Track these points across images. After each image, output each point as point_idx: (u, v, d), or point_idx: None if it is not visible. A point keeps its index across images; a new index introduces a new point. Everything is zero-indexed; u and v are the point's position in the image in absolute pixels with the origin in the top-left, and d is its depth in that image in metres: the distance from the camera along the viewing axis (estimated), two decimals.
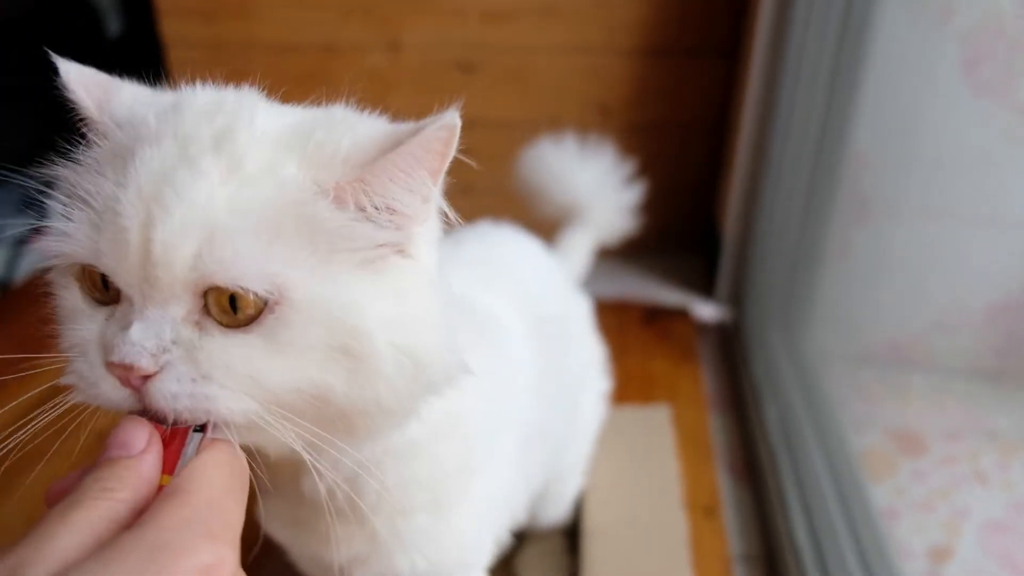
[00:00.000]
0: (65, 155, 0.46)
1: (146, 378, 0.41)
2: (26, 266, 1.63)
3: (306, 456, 0.45)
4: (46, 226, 0.45)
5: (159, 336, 0.41)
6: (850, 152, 1.27)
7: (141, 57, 1.69)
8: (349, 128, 0.46)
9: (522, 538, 1.02)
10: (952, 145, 1.21)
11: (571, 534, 1.05)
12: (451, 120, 0.43)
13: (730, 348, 1.48)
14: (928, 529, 1.06)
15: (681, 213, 1.72)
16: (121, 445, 0.39)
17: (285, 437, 0.44)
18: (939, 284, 1.32)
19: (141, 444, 0.39)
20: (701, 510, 1.09)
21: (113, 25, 1.88)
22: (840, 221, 1.32)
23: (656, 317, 1.60)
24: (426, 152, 0.44)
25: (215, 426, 0.42)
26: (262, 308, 0.42)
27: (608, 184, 1.10)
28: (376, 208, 0.45)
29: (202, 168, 0.42)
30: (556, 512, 1.01)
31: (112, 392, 0.42)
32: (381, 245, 0.46)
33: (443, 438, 0.59)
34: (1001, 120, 1.16)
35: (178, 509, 0.36)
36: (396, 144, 0.43)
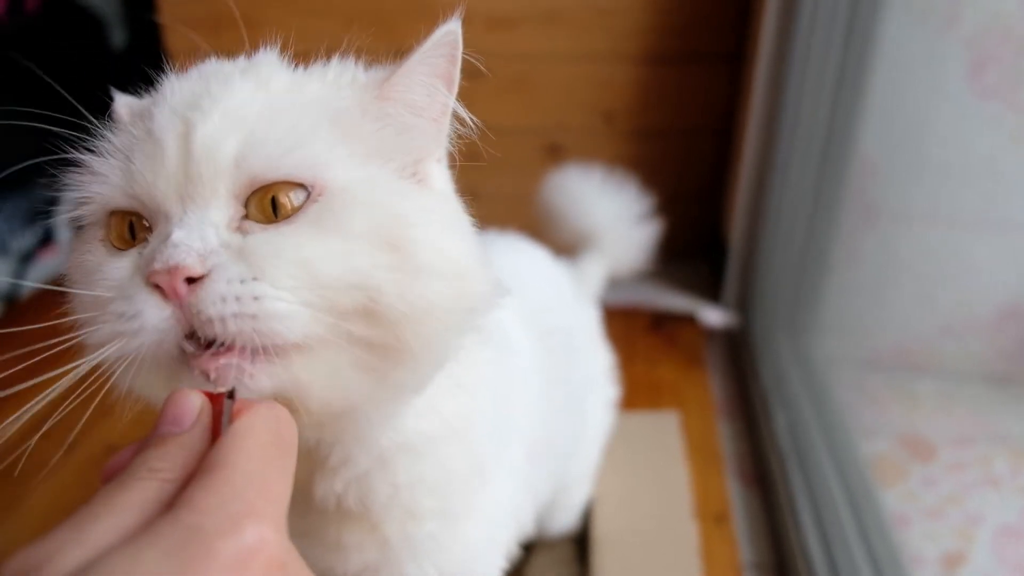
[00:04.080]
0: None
1: (192, 284, 0.40)
2: (32, 280, 1.63)
3: (347, 400, 0.45)
4: (71, 180, 0.46)
5: (204, 239, 0.41)
6: (856, 157, 1.27)
7: (146, 69, 1.69)
8: (358, 68, 0.51)
9: (531, 547, 1.02)
10: (959, 149, 1.21)
11: (580, 542, 1.05)
12: (452, 25, 0.48)
13: (738, 354, 1.48)
14: (940, 535, 1.05)
15: (687, 219, 1.72)
16: (172, 420, 0.37)
17: (335, 360, 0.43)
18: (947, 289, 1.31)
19: (192, 417, 0.37)
20: (711, 518, 1.08)
21: (117, 36, 1.88)
22: (847, 226, 1.32)
23: (663, 324, 1.60)
24: (436, 57, 0.48)
25: (251, 374, 0.41)
26: (303, 204, 0.43)
27: (626, 218, 1.11)
28: (400, 116, 0.48)
29: (234, 83, 0.46)
30: (565, 520, 1.01)
31: (154, 316, 0.40)
32: (411, 153, 0.49)
33: (452, 440, 0.59)
34: (1008, 123, 1.15)
35: (214, 487, 0.33)
36: (407, 59, 0.48)
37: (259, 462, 0.35)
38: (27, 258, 1.64)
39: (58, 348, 0.43)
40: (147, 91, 0.50)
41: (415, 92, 0.49)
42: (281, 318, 0.41)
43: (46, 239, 1.65)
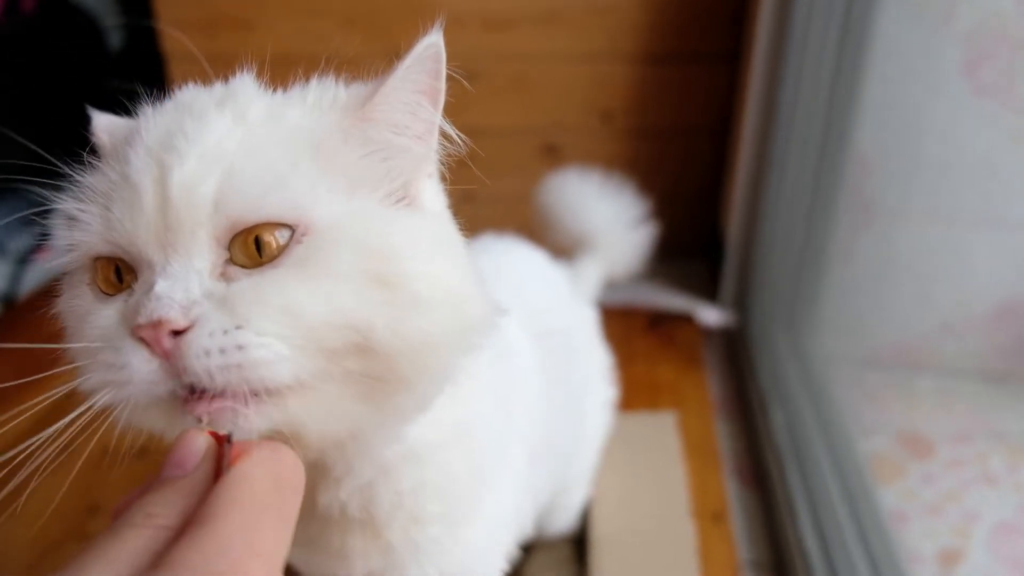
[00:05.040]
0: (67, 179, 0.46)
1: (177, 337, 0.39)
2: (30, 281, 1.63)
3: (347, 429, 0.45)
4: (53, 227, 0.46)
5: (187, 290, 0.40)
6: (853, 155, 1.27)
7: (142, 71, 1.69)
8: (339, 87, 0.49)
9: (529, 547, 1.02)
10: (955, 147, 1.21)
11: (579, 542, 1.05)
12: (433, 37, 0.46)
13: (736, 353, 1.48)
14: (938, 533, 1.05)
15: (685, 218, 1.72)
16: (176, 464, 0.36)
17: (331, 395, 0.42)
18: (945, 286, 1.31)
19: (195, 460, 0.37)
20: (709, 517, 1.08)
21: (114, 39, 1.88)
22: (844, 224, 1.32)
23: (661, 323, 1.60)
24: (419, 73, 0.46)
25: (245, 415, 0.40)
26: (287, 244, 0.42)
27: (623, 222, 1.11)
28: (384, 139, 0.47)
29: (209, 119, 0.44)
30: (563, 521, 1.01)
31: (142, 368, 0.40)
32: (398, 177, 0.47)
33: (454, 445, 0.59)
34: (1005, 121, 1.15)
35: (198, 544, 0.31)
36: (387, 77, 0.46)
37: (251, 513, 0.34)
38: (24, 260, 1.64)
39: (57, 396, 0.43)
40: (135, 108, 0.49)
41: (398, 112, 0.47)
42: (267, 365, 0.40)
43: (43, 240, 1.64)
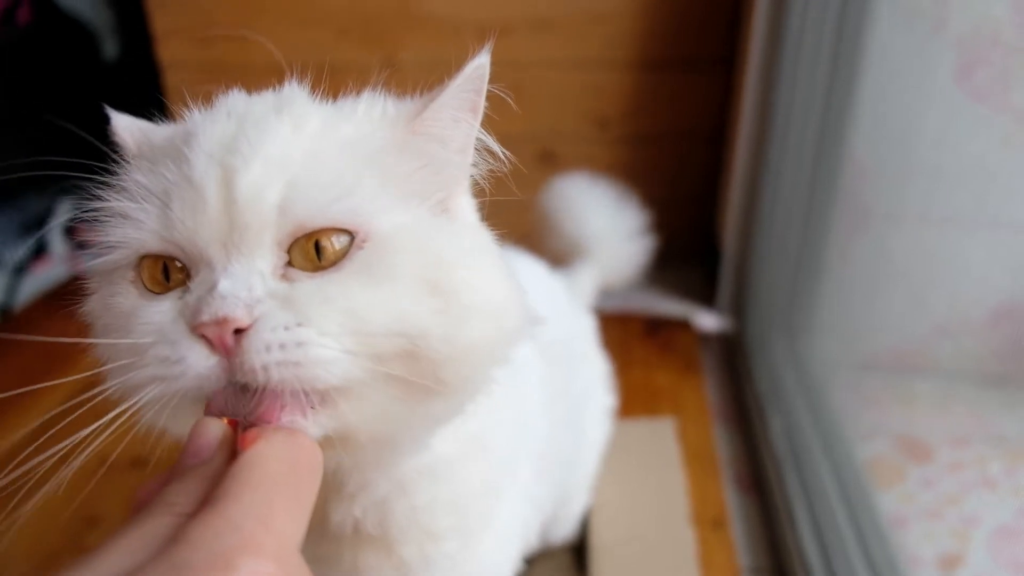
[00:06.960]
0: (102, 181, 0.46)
1: (238, 335, 0.40)
2: (26, 292, 1.63)
3: (392, 432, 0.45)
4: (102, 220, 0.45)
5: (250, 288, 0.41)
6: (848, 160, 1.27)
7: (138, 80, 1.69)
8: (387, 101, 0.50)
9: (530, 558, 1.01)
10: (950, 151, 1.21)
11: (579, 550, 1.05)
12: (482, 59, 0.49)
13: (733, 359, 1.48)
14: (937, 537, 1.05)
15: (681, 224, 1.72)
16: (193, 453, 0.37)
17: (378, 398, 0.43)
18: (941, 290, 1.31)
19: (211, 448, 0.37)
20: (708, 523, 1.08)
21: (110, 49, 1.88)
22: (840, 229, 1.32)
23: (658, 329, 1.60)
24: (467, 91, 0.48)
25: (303, 426, 0.41)
26: (347, 250, 0.43)
27: (621, 231, 1.11)
28: (433, 152, 0.48)
29: (270, 125, 0.45)
30: (563, 530, 1.00)
31: (200, 363, 0.40)
32: (442, 189, 0.49)
33: (469, 459, 0.59)
34: (998, 125, 1.16)
35: (209, 521, 0.32)
36: (438, 94, 0.48)
37: (263, 491, 0.34)
38: (21, 270, 1.63)
39: (93, 401, 0.43)
40: (149, 113, 0.49)
41: (447, 127, 0.49)
42: (324, 364, 0.40)
43: (40, 251, 1.65)
